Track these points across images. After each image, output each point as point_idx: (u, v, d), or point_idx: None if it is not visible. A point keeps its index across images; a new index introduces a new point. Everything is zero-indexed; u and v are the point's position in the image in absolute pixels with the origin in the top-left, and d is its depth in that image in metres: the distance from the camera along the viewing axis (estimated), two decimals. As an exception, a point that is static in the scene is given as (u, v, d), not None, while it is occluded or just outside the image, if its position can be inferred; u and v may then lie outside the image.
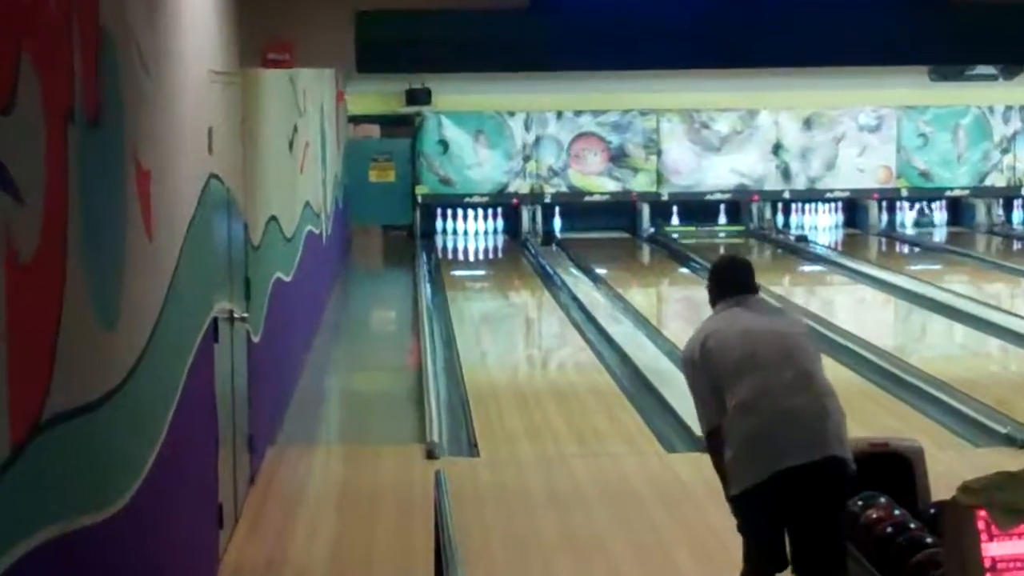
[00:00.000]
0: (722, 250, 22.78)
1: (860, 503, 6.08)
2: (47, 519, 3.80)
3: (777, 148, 26.59)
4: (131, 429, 4.96)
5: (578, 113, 26.16)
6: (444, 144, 26.07)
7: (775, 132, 26.56)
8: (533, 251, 23.83)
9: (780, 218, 27.11)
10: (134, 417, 4.99)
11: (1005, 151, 26.85)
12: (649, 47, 9.03)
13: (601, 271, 20.65)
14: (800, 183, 26.71)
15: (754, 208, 26.84)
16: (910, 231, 26.47)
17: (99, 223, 4.47)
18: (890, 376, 12.45)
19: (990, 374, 13.21)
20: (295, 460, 9.79)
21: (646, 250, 25.17)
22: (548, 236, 25.77)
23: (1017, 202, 27.24)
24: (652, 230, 26.29)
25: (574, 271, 21.01)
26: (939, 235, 26.24)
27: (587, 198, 26.35)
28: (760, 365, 5.62)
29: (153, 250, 5.45)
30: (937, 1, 9.09)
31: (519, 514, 8.44)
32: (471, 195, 26.17)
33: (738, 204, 27.03)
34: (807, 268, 22.24)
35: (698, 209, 26.74)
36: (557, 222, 26.57)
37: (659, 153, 26.41)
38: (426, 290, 18.77)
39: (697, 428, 6.40)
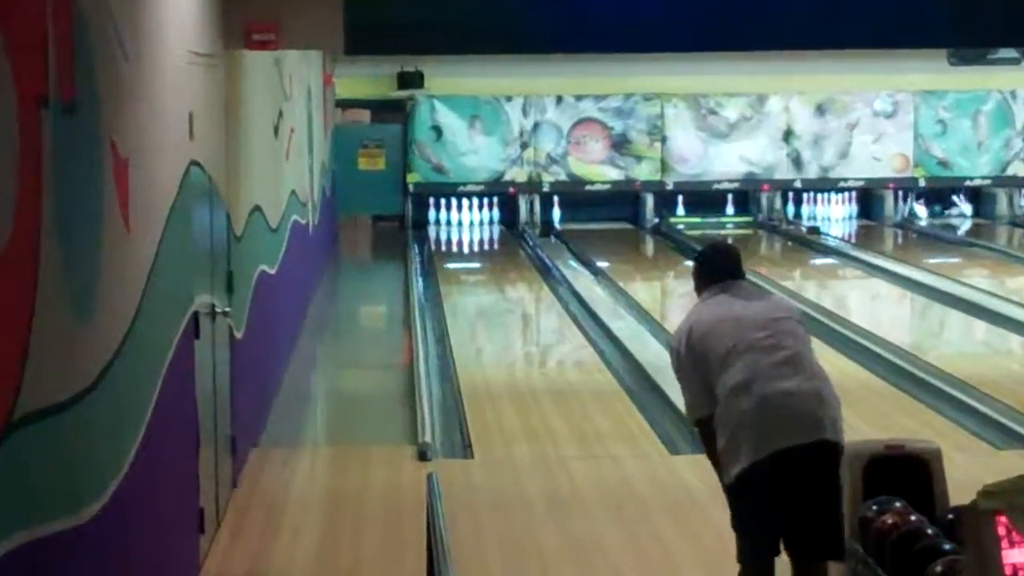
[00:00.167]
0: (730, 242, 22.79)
1: (875, 508, 6.09)
2: (16, 524, 3.80)
3: (788, 135, 26.59)
4: (107, 429, 4.96)
5: (579, 98, 26.15)
6: (437, 130, 26.04)
7: (786, 118, 26.56)
8: (531, 243, 23.83)
9: (791, 209, 27.11)
10: (110, 417, 4.99)
11: (1028, 139, 26.87)
12: (650, 29, 9.03)
13: (602, 264, 20.64)
14: (812, 172, 26.70)
15: (764, 198, 26.85)
16: (923, 222, 26.45)
17: (74, 213, 4.48)
18: (906, 375, 12.45)
19: (1011, 373, 13.20)
20: (279, 463, 9.79)
21: (650, 242, 25.17)
22: (547, 227, 25.77)
23: (1040, 192, 27.27)
24: (656, 221, 26.29)
25: (574, 264, 21.03)
26: (961, 227, 26.23)
27: (588, 187, 26.33)
28: (751, 348, 5.79)
29: (131, 241, 5.45)
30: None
31: (516, 520, 8.44)
32: (466, 184, 26.14)
33: (747, 194, 27.03)
34: (819, 261, 22.25)
35: (705, 199, 26.72)
36: (556, 212, 26.56)
37: (664, 140, 26.39)
38: (418, 284, 18.78)
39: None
